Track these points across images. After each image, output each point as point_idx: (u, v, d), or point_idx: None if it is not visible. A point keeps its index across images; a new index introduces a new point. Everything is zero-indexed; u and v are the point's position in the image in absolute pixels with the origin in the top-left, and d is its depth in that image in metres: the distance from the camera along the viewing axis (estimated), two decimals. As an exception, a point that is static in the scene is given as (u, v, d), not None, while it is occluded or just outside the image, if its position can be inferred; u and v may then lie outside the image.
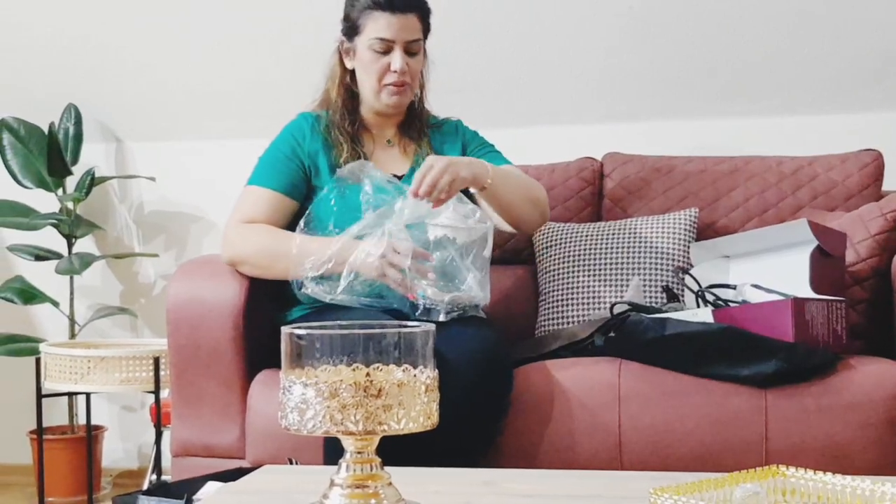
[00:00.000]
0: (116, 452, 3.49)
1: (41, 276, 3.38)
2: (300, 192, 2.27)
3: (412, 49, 2.25)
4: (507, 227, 2.34)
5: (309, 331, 1.20)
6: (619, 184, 2.76)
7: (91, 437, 3.16)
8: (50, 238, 3.39)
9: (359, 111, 2.33)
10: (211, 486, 1.86)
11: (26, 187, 3.38)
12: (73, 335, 3.36)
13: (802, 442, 1.96)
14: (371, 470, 1.20)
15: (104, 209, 3.53)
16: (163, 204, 3.50)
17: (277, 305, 2.30)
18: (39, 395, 2.96)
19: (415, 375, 1.19)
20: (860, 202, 2.55)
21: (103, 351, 2.83)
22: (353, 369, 1.19)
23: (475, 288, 2.09)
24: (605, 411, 2.02)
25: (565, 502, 1.39)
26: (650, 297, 2.41)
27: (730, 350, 1.99)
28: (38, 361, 2.91)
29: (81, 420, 3.28)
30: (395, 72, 2.23)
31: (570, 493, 1.44)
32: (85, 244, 3.48)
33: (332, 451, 1.92)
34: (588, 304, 2.45)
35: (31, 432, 3.20)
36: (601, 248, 2.52)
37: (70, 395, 3.24)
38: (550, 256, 2.57)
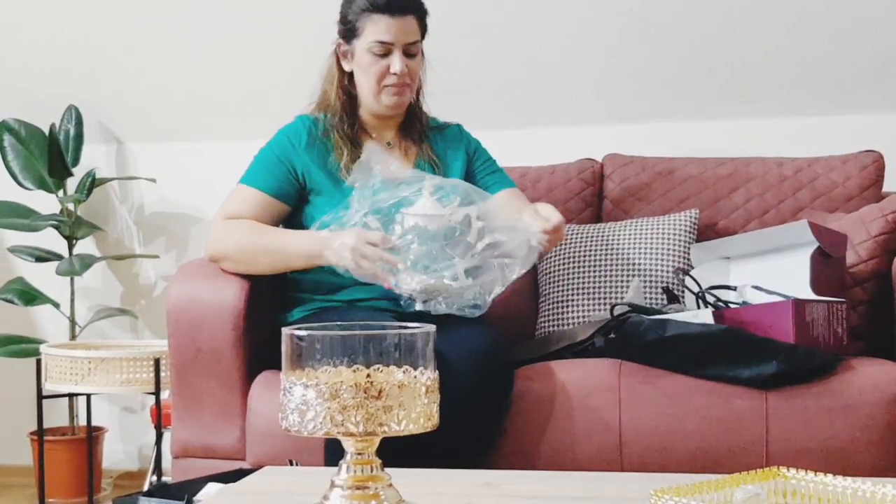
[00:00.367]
0: (117, 454, 3.49)
1: (42, 277, 3.38)
2: (289, 196, 2.27)
3: (411, 51, 2.25)
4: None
5: (309, 332, 1.19)
6: (619, 185, 2.76)
7: (91, 438, 3.16)
8: (50, 239, 3.39)
9: (357, 113, 2.33)
10: (211, 488, 1.86)
11: (27, 188, 3.38)
12: (73, 336, 3.36)
13: (803, 443, 1.96)
14: (371, 471, 1.20)
15: (105, 210, 3.53)
16: (163, 205, 3.50)
17: (278, 307, 2.30)
18: (40, 397, 2.95)
19: (415, 377, 1.19)
20: (861, 203, 2.55)
21: (104, 352, 2.83)
22: (354, 370, 1.19)
23: (461, 276, 2.05)
24: (606, 412, 2.02)
25: (566, 503, 1.39)
26: (651, 299, 2.41)
27: (730, 351, 1.99)
28: (38, 362, 2.91)
29: (82, 421, 3.28)
30: (395, 74, 2.23)
31: (570, 494, 1.44)
32: (85, 245, 3.48)
33: (332, 453, 1.92)
34: (588, 305, 2.46)
35: (32, 433, 3.20)
36: (602, 250, 2.52)
37: (70, 396, 3.24)
38: (551, 257, 2.57)
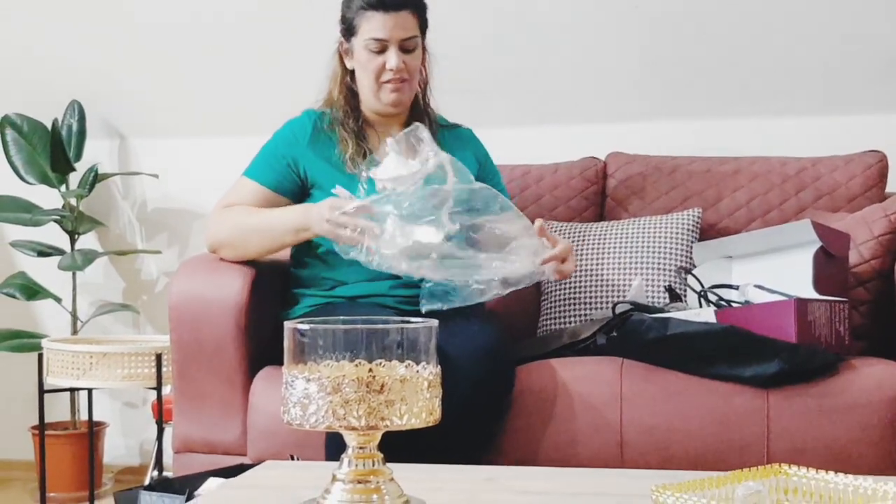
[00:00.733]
0: (118, 449, 3.49)
1: (44, 272, 3.38)
2: (288, 190, 2.28)
3: (408, 46, 2.25)
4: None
5: (312, 326, 1.20)
6: (622, 183, 2.76)
7: (93, 433, 3.16)
8: (53, 234, 3.39)
9: (360, 110, 2.33)
10: (212, 483, 1.86)
11: (29, 183, 3.38)
12: (75, 331, 3.36)
13: (804, 442, 1.96)
14: (373, 465, 1.21)
15: (107, 206, 3.53)
16: (165, 201, 3.50)
17: (280, 303, 2.30)
18: (41, 391, 2.95)
19: (417, 371, 1.19)
20: (864, 203, 2.55)
21: (105, 347, 2.83)
22: (356, 365, 1.19)
23: (446, 226, 2.02)
24: (607, 410, 2.02)
25: (567, 500, 1.39)
26: (653, 297, 2.41)
27: (732, 350, 1.99)
28: (40, 357, 2.91)
29: (83, 416, 3.28)
30: (392, 70, 2.23)
31: (572, 490, 1.44)
32: (87, 240, 3.48)
33: (333, 448, 1.92)
34: (590, 303, 2.45)
35: (33, 428, 3.20)
36: (604, 248, 2.52)
37: (72, 390, 3.24)
38: (553, 255, 2.56)
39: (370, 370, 1.18)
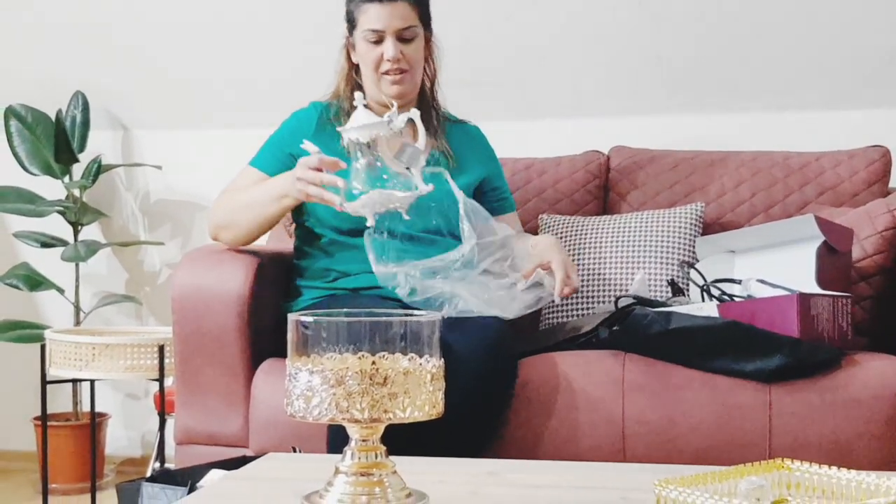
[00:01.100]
0: (120, 440, 3.50)
1: (47, 262, 3.38)
2: None
3: (405, 36, 2.25)
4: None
5: (315, 318, 1.20)
6: (625, 177, 2.76)
7: (95, 424, 3.16)
8: (56, 225, 3.39)
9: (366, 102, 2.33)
10: (214, 474, 1.87)
11: (33, 174, 3.38)
12: (77, 322, 3.37)
13: (806, 437, 1.96)
14: (376, 458, 1.21)
15: (110, 197, 3.54)
16: (169, 192, 3.50)
17: (283, 295, 2.30)
18: (44, 382, 2.96)
19: (420, 364, 1.19)
20: (867, 198, 2.55)
21: (108, 338, 2.83)
22: (360, 357, 1.19)
23: (419, 185, 2.01)
24: (609, 404, 2.02)
25: (570, 493, 1.39)
26: (655, 291, 2.41)
27: (734, 345, 1.99)
28: (42, 348, 2.91)
29: (85, 407, 3.29)
30: (389, 60, 2.24)
31: (574, 484, 1.44)
32: (91, 231, 3.49)
33: (335, 441, 1.92)
34: (593, 296, 2.45)
35: (36, 419, 3.21)
36: (607, 242, 2.52)
37: (74, 381, 3.25)
38: (556, 249, 2.56)
39: (373, 363, 1.18)
